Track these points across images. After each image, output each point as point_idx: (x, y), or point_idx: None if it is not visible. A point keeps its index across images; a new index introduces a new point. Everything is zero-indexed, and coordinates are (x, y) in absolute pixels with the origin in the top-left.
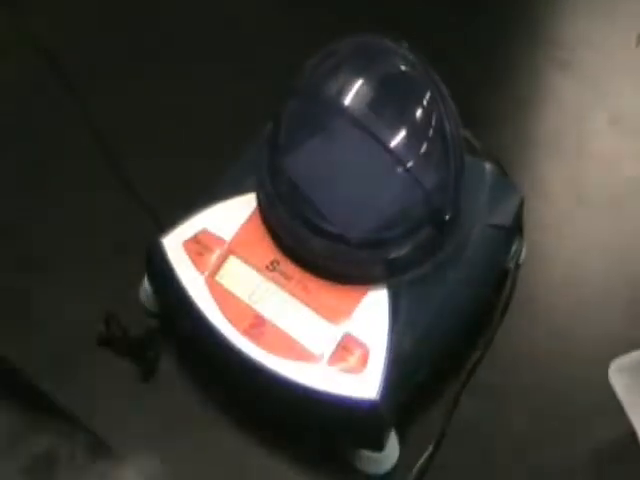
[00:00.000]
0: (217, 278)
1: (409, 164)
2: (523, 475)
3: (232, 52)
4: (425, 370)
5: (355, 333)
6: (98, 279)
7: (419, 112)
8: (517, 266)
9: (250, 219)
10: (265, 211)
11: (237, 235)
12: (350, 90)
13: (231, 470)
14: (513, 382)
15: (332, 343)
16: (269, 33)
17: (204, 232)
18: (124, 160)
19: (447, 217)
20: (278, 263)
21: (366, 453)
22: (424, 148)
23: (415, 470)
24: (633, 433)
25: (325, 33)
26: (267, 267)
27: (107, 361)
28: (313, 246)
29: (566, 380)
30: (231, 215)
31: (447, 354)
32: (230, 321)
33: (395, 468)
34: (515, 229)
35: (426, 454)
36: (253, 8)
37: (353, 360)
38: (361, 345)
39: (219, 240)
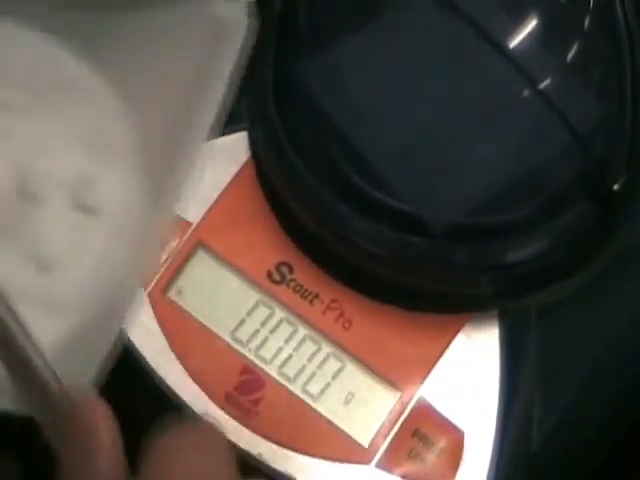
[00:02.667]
0: (171, 295)
1: (543, 83)
2: None
3: None
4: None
5: (437, 405)
6: None
7: None
8: None
9: (236, 183)
10: (267, 170)
11: (211, 213)
12: None
13: None
14: None
15: (393, 425)
16: None
17: None
18: None
19: (617, 186)
20: (290, 269)
21: None
22: (573, 54)
23: None
24: None
25: None
26: (269, 276)
27: None
28: (360, 238)
29: None
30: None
31: (617, 450)
32: (197, 379)
33: None
34: None
35: None
36: None
37: (432, 458)
38: (448, 429)
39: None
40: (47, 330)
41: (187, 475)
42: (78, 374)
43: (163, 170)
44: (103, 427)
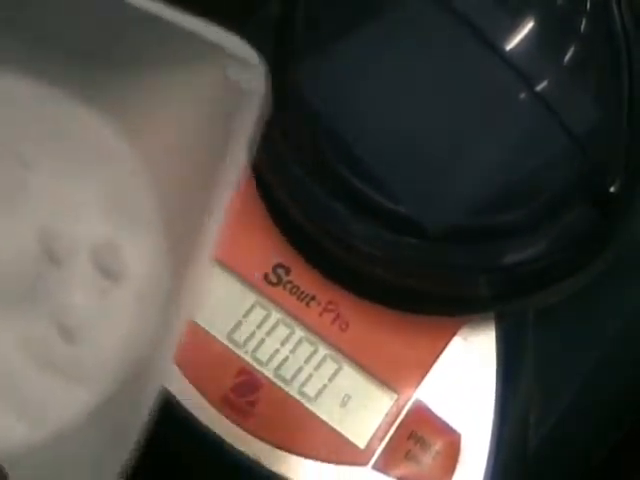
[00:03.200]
0: None
1: (540, 85)
2: None
3: None
4: None
5: (434, 407)
6: None
7: None
8: None
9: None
10: (264, 171)
11: None
12: None
13: None
14: None
15: (389, 426)
16: None
17: None
18: None
19: (614, 188)
20: (287, 271)
21: None
22: (570, 55)
23: None
24: None
25: None
26: (265, 277)
27: None
28: (357, 240)
29: None
30: None
31: (616, 453)
32: (193, 382)
33: None
34: None
35: None
36: None
37: (429, 460)
38: (445, 431)
39: None
40: (75, 402)
41: None
42: (110, 449)
43: (186, 238)
44: None
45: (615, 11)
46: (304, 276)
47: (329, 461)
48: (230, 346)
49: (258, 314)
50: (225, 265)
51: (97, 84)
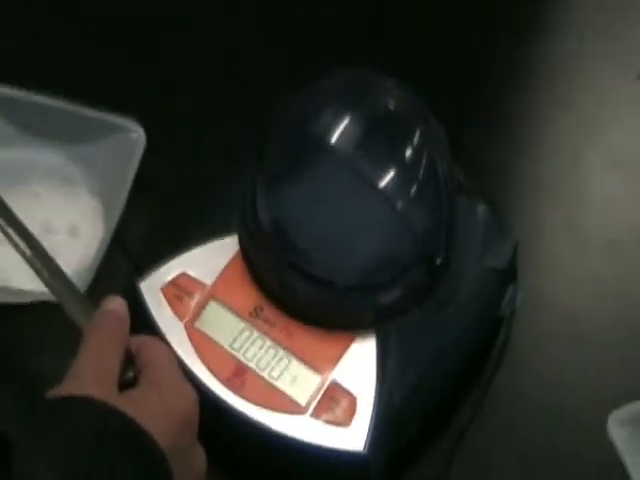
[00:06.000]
0: (197, 325)
1: (399, 206)
2: None
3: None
4: (416, 423)
5: (342, 382)
6: None
7: (409, 152)
8: (512, 313)
9: (232, 262)
10: (247, 253)
11: (218, 279)
12: (337, 127)
13: None
14: (509, 434)
15: (318, 393)
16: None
17: (183, 276)
18: None
19: (439, 261)
20: (262, 309)
21: None
22: (414, 189)
23: None
24: None
25: (315, 65)
26: (250, 313)
27: None
28: (297, 291)
29: (564, 434)
30: (212, 258)
31: (439, 407)
32: (211, 369)
33: None
34: (510, 273)
35: None
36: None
37: (340, 411)
38: (348, 395)
39: (199, 284)
40: None
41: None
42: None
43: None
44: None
45: (438, 164)
46: (271, 312)
47: (286, 412)
48: (231, 351)
49: (246, 333)
50: (228, 307)
51: None
